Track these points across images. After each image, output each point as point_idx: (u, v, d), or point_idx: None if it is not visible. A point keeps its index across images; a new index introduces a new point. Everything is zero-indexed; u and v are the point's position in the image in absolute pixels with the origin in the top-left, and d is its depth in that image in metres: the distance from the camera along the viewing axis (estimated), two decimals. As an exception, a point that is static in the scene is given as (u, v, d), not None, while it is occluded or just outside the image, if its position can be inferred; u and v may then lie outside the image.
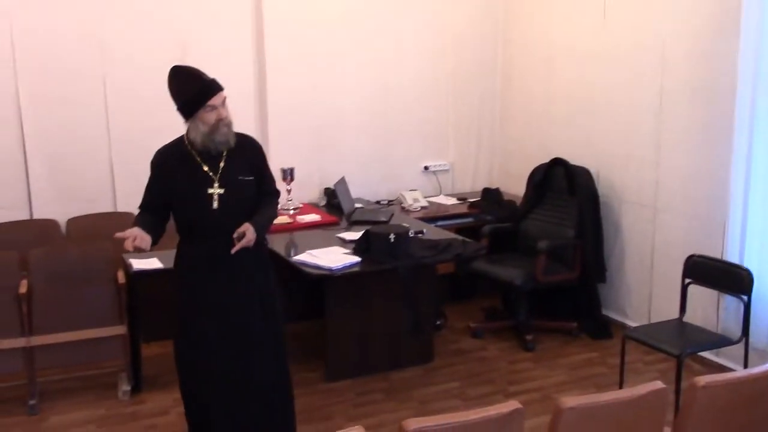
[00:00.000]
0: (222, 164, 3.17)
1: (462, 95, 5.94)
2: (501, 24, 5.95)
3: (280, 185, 5.10)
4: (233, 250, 3.08)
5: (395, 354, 4.44)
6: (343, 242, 4.39)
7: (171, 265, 3.38)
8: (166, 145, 3.24)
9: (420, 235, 4.50)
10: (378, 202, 5.58)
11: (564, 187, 5.06)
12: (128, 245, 3.02)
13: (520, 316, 4.89)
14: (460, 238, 4.55)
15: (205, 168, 3.16)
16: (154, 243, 3.16)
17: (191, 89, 3.09)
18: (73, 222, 4.90)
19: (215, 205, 3.13)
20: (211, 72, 3.16)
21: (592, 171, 5.02)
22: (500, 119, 6.09)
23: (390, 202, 5.61)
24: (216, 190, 3.14)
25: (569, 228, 4.92)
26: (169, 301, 3.33)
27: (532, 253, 4.77)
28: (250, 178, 3.24)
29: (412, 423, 2.02)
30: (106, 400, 4.07)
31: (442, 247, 4.31)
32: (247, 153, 3.27)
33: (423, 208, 5.48)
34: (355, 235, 4.36)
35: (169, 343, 3.38)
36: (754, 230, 3.97)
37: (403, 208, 5.45)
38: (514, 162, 5.90)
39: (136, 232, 3.04)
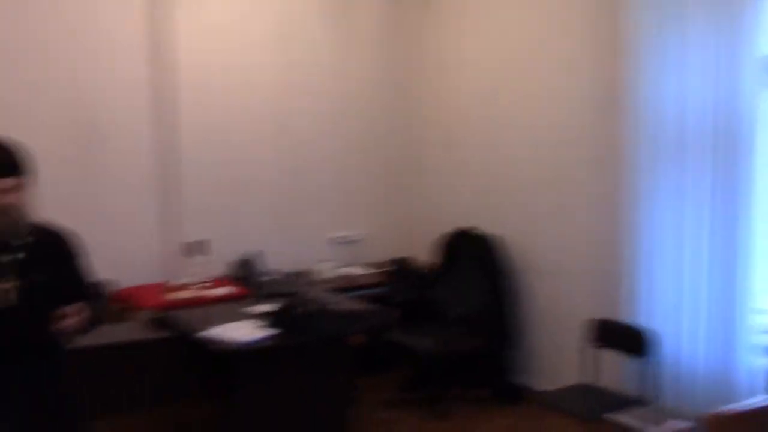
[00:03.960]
0: (20, 257, 2.69)
1: (374, 164, 6.03)
2: (416, 95, 6.11)
3: (187, 259, 5.04)
4: (60, 325, 2.60)
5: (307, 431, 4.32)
6: (254, 316, 4.30)
7: None
8: None
9: (332, 306, 4.46)
10: (289, 274, 5.51)
11: (473, 254, 5.14)
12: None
13: (434, 385, 4.87)
14: (372, 308, 4.53)
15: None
16: None
17: None
18: None
19: (5, 303, 2.63)
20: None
21: (500, 238, 5.14)
22: (412, 189, 6.19)
23: (301, 274, 5.55)
24: (5, 285, 2.64)
25: (479, 295, 4.98)
26: None
27: (444, 321, 4.80)
28: (44, 277, 2.72)
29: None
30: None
31: (354, 318, 4.28)
32: (49, 249, 2.79)
33: (334, 278, 5.44)
34: (266, 308, 4.28)
35: None
36: (658, 291, 4.09)
37: (314, 279, 5.40)
38: (426, 231, 5.97)
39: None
